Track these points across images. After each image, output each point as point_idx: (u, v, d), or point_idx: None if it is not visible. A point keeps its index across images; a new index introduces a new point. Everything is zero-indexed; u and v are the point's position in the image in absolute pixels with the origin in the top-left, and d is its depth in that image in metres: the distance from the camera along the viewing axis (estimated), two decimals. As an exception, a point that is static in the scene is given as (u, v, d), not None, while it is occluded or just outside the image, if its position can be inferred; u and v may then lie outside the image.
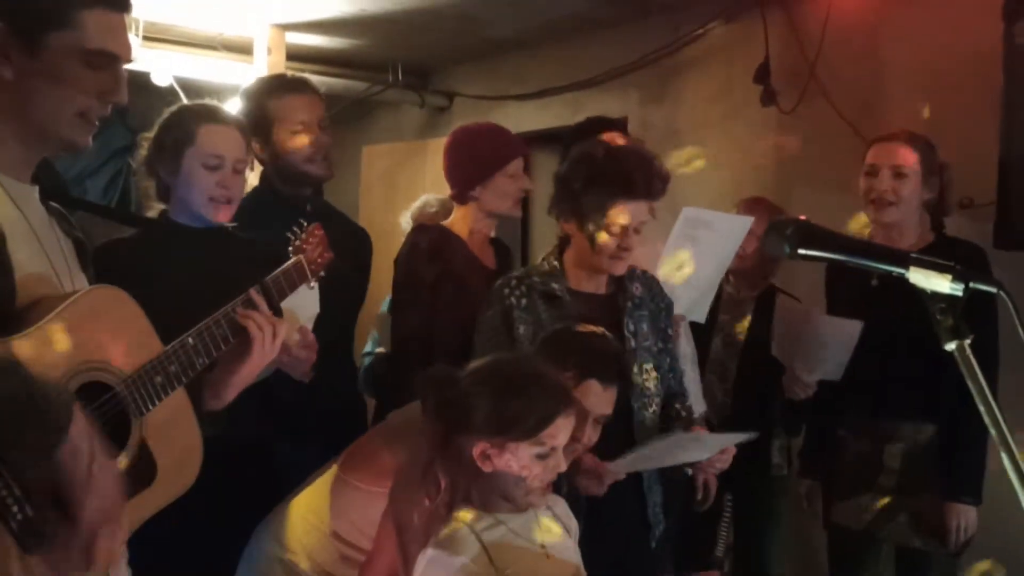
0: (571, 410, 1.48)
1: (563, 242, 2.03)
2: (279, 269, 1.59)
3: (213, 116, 1.94)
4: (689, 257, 2.26)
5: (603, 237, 1.90)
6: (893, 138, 2.31)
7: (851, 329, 2.24)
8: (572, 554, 1.55)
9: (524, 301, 1.94)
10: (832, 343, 2.27)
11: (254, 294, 1.50)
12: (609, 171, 1.89)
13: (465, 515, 1.45)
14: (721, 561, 2.68)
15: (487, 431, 1.42)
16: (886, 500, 2.27)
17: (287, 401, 1.92)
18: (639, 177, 1.90)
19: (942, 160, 2.32)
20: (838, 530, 2.40)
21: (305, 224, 1.71)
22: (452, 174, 2.42)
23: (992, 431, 0.86)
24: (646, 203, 1.92)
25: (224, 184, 1.91)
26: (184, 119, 1.93)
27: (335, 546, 1.68)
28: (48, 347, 1.16)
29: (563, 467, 1.48)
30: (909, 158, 2.26)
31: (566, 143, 2.79)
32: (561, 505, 1.60)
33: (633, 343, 1.98)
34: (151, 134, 1.96)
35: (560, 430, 1.45)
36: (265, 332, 1.47)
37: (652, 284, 2.09)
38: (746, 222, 2.35)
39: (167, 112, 1.96)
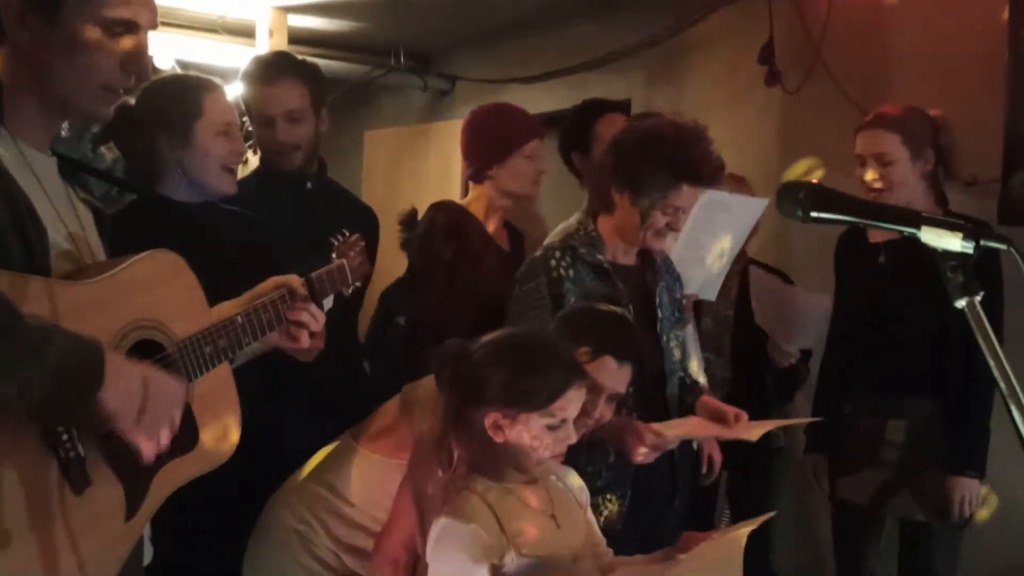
0: (582, 383, 1.50)
1: (600, 209, 2.04)
2: (324, 268, 1.63)
3: (211, 85, 1.96)
4: (722, 242, 2.30)
5: (657, 215, 1.94)
6: (872, 125, 2.28)
7: (821, 305, 2.26)
8: (582, 524, 1.57)
9: (571, 271, 1.97)
10: (805, 317, 2.29)
11: (300, 287, 1.52)
12: (679, 155, 1.92)
13: (477, 484, 1.47)
14: None
15: (499, 402, 1.44)
16: (889, 474, 2.29)
17: (291, 377, 1.94)
18: (706, 163, 1.94)
19: (938, 120, 2.27)
20: (842, 505, 2.42)
21: (347, 233, 1.74)
22: (469, 153, 2.44)
23: (1001, 384, 0.87)
24: (705, 188, 1.98)
25: (237, 151, 1.95)
26: (187, 92, 1.93)
27: (350, 516, 1.71)
28: (113, 298, 1.18)
29: (573, 438, 1.50)
30: (890, 143, 2.23)
31: (568, 125, 2.81)
32: (572, 476, 1.62)
33: (660, 314, 2.03)
34: (139, 111, 1.90)
35: (571, 402, 1.47)
36: (311, 327, 1.52)
37: (664, 256, 2.14)
38: (761, 203, 2.35)
39: (155, 86, 1.92)
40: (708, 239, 2.29)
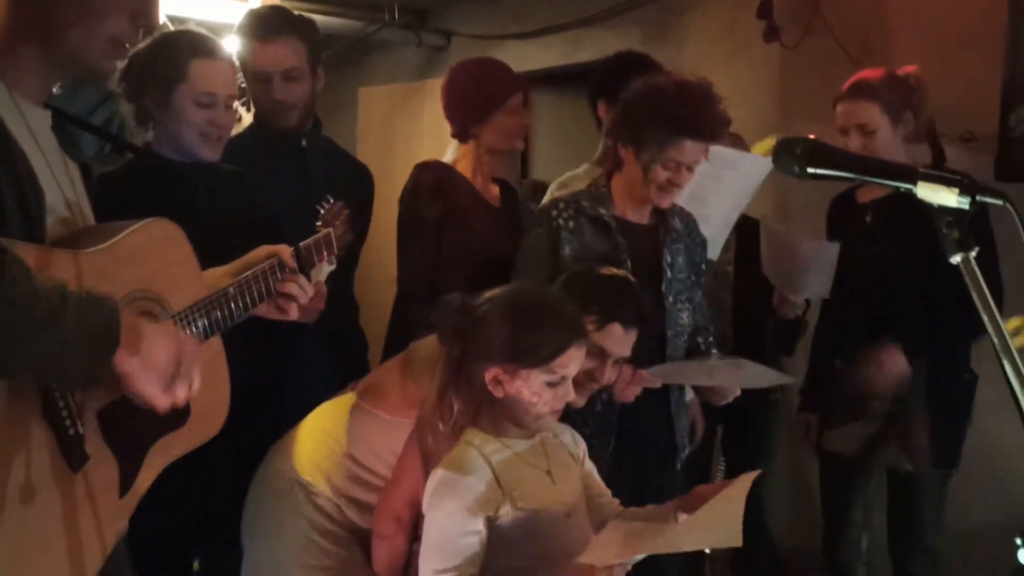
0: (583, 341, 1.52)
1: (614, 167, 2.05)
2: (311, 238, 1.63)
3: (204, 50, 1.87)
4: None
5: (658, 170, 1.94)
6: (851, 95, 2.28)
7: (829, 252, 2.27)
8: (577, 480, 1.59)
9: (572, 223, 1.98)
10: (814, 266, 2.30)
11: (290, 258, 1.53)
12: (678, 109, 1.91)
13: (475, 438, 1.49)
14: None
15: (500, 358, 1.46)
16: (877, 426, 2.32)
17: (289, 337, 1.95)
18: (706, 119, 1.92)
19: (911, 80, 2.26)
20: (830, 456, 2.46)
21: (331, 200, 1.73)
22: (451, 113, 2.40)
23: (995, 340, 0.89)
24: (706, 144, 1.96)
25: (216, 122, 1.88)
26: (173, 53, 1.86)
27: (352, 470, 1.73)
28: (112, 269, 1.17)
29: (571, 396, 1.52)
30: (870, 112, 2.24)
31: (601, 73, 2.75)
32: (568, 433, 1.64)
33: (669, 274, 2.04)
34: (134, 61, 1.85)
35: (571, 360, 1.49)
36: (300, 299, 1.53)
37: (689, 220, 2.14)
38: (768, 163, 2.34)
39: (151, 40, 1.85)
40: (713, 196, 2.28)
